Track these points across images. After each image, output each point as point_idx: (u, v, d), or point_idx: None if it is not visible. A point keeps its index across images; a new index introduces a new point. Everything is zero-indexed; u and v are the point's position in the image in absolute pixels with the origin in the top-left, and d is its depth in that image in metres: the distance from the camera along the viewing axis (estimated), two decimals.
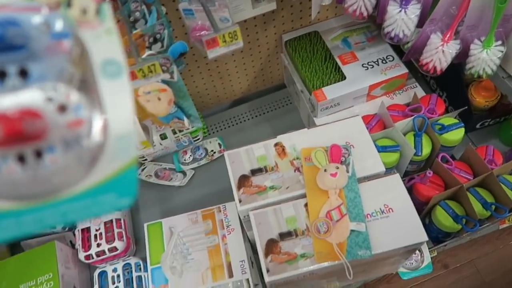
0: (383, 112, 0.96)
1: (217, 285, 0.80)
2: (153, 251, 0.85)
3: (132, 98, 0.23)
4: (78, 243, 0.94)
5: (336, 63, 1.04)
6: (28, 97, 0.21)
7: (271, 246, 0.69)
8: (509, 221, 1.06)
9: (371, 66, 1.02)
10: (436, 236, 0.93)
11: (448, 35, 0.83)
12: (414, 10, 0.81)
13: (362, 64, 1.03)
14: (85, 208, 0.23)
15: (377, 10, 0.91)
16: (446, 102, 1.13)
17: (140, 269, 0.92)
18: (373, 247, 0.66)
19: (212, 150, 1.14)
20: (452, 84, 1.09)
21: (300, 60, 1.07)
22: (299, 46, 1.10)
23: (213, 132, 1.23)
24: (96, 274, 0.91)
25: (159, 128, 1.08)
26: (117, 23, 0.68)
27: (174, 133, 1.10)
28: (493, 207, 0.85)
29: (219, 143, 1.16)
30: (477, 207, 0.85)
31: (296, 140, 0.79)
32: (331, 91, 0.99)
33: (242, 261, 0.82)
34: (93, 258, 0.92)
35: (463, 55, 0.88)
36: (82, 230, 0.95)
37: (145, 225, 0.88)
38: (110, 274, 0.91)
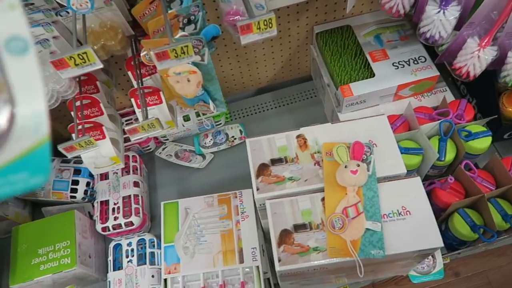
0: (410, 113, 0.94)
1: (227, 269, 0.81)
2: (168, 229, 0.87)
3: (40, 74, 0.23)
4: (96, 214, 0.96)
5: (366, 59, 1.03)
6: None
7: (284, 236, 0.69)
8: None
9: (402, 66, 1.00)
10: (451, 243, 0.92)
11: (485, 41, 0.81)
12: (453, 12, 0.79)
13: (393, 63, 1.01)
14: None
15: (414, 9, 0.89)
16: (475, 108, 1.11)
17: (154, 246, 0.94)
18: (386, 248, 0.66)
19: (233, 136, 1.14)
20: (484, 90, 1.06)
21: (329, 54, 1.06)
22: (330, 39, 1.08)
23: (235, 118, 1.23)
24: (111, 246, 0.94)
25: (183, 110, 1.09)
26: (154, 2, 0.68)
27: (197, 115, 1.11)
28: None
29: (240, 130, 1.16)
30: (496, 218, 0.83)
31: (318, 134, 0.79)
32: (359, 88, 0.98)
33: (253, 248, 0.83)
34: (109, 230, 0.95)
35: (499, 62, 0.86)
36: (101, 202, 0.98)
37: (162, 203, 0.90)
38: (124, 247, 0.93)
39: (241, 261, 0.82)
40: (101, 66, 0.54)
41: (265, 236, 0.92)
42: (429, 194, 0.90)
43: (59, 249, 0.88)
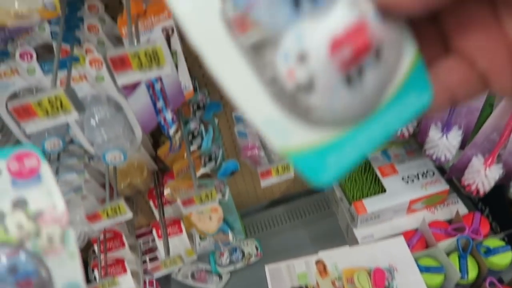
0: (425, 229, 0.95)
1: None
2: None
3: None
4: None
5: (376, 174, 1.06)
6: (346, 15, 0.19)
7: None
8: None
9: (412, 180, 1.03)
10: None
11: (490, 160, 0.85)
12: (456, 136, 0.84)
13: (402, 178, 1.04)
14: (399, 113, 0.22)
15: (418, 130, 0.94)
16: (489, 217, 1.11)
17: None
18: None
19: (249, 253, 1.14)
20: (495, 200, 1.08)
21: None
22: None
23: (251, 233, 1.24)
24: None
25: None
26: (180, 142, 0.73)
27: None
28: None
29: (256, 246, 1.16)
30: None
31: (337, 259, 0.79)
32: (372, 204, 1.00)
33: None
34: None
35: (506, 178, 0.89)
36: None
37: None
38: None
39: None
40: (131, 216, 0.57)
41: None
42: None
43: None
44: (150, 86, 0.49)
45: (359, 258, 0.78)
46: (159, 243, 0.80)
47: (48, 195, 0.28)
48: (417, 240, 0.95)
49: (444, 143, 0.84)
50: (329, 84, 0.20)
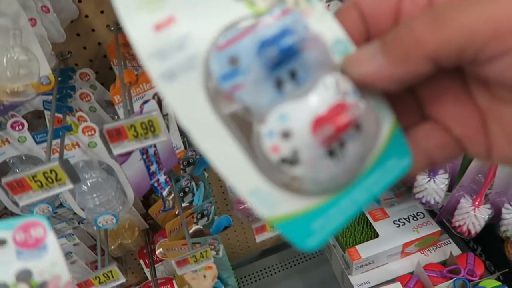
0: (421, 272, 0.94)
1: None
2: None
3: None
4: None
5: (367, 219, 1.06)
6: (326, 95, 0.21)
7: None
8: None
9: (403, 224, 1.03)
10: None
11: (478, 201, 0.86)
12: (443, 180, 0.85)
13: (394, 221, 1.04)
14: (381, 178, 0.23)
15: None
16: (483, 256, 1.11)
17: None
18: None
19: None
20: (487, 239, 1.08)
21: None
22: None
23: (243, 285, 1.20)
24: None
25: None
26: (173, 203, 0.73)
27: None
28: None
29: None
30: None
31: None
32: (366, 250, 0.99)
33: None
34: None
35: (495, 218, 0.90)
36: None
37: None
38: None
39: None
40: (124, 280, 0.55)
41: None
42: None
43: None
44: (144, 151, 0.50)
45: None
46: None
47: (52, 266, 0.28)
48: (414, 285, 0.94)
49: (432, 187, 0.85)
50: (313, 157, 0.21)
